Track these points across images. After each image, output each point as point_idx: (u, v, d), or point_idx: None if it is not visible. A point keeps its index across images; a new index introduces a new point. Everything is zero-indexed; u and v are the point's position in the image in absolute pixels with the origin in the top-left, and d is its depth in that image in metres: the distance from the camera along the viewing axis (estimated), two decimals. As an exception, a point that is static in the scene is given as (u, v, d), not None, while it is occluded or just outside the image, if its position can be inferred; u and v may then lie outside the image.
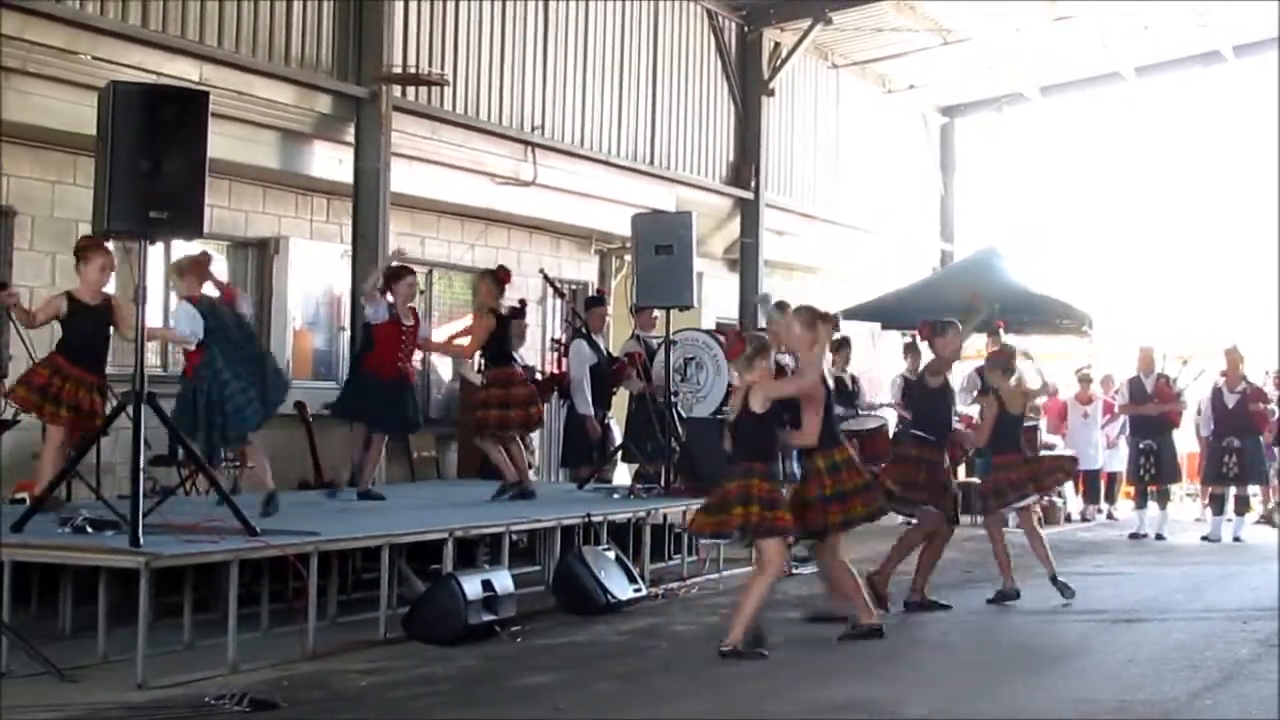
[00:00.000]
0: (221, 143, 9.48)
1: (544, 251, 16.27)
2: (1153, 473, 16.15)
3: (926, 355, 17.77)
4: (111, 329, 8.67)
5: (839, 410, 10.11)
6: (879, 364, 19.00)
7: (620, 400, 13.38)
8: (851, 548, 9.36)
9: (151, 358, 11.44)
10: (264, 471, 9.11)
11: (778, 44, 19.47)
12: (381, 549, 8.61)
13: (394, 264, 11.14)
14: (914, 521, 10.48)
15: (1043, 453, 13.90)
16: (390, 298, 10.63)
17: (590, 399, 12.64)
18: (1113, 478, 19.29)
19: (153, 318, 9.74)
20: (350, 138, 12.87)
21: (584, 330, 12.95)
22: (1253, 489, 17.04)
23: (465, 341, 11.37)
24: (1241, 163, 26.59)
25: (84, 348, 8.59)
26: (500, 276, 11.21)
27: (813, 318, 8.55)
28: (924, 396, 10.53)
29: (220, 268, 12.69)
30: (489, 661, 8.03)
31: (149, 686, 6.99)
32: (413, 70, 13.34)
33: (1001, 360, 11.09)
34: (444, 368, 15.03)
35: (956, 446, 12.22)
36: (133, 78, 9.85)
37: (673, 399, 12.12)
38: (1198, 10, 19.76)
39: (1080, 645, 8.91)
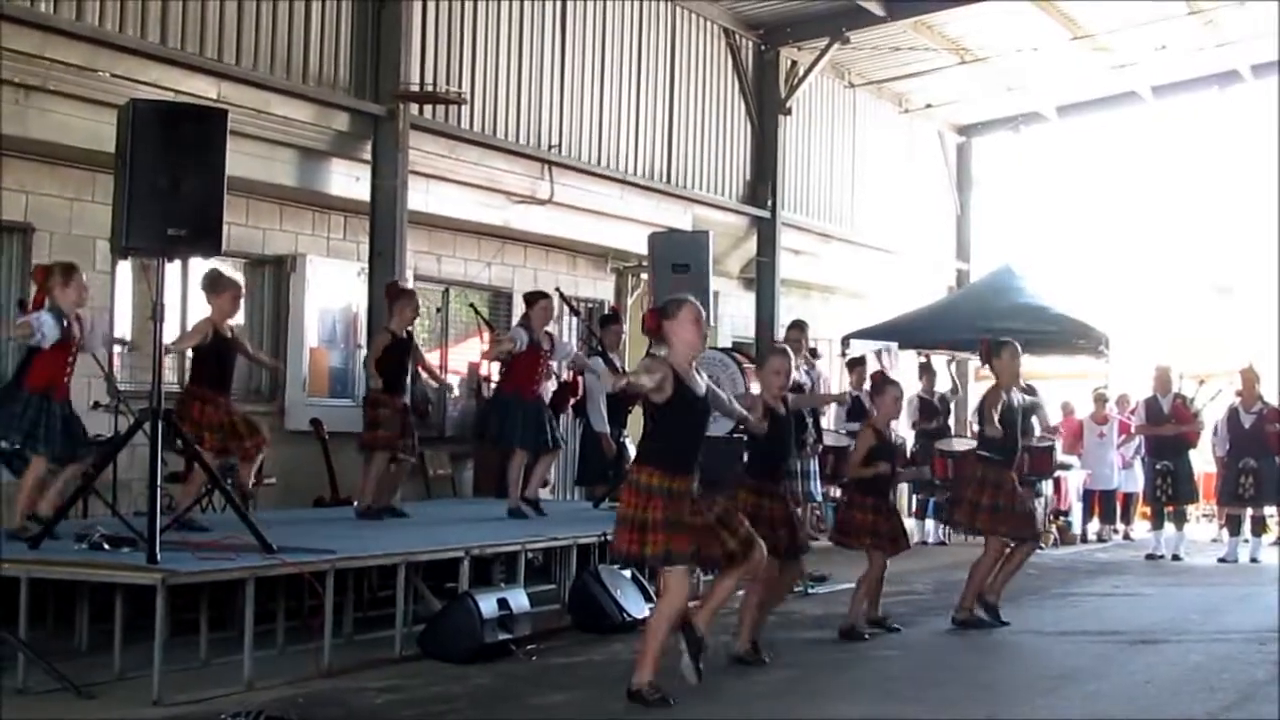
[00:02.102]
0: (239, 160, 9.51)
1: (560, 270, 16.28)
2: (1169, 493, 16.08)
3: (942, 375, 17.89)
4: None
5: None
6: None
7: (636, 418, 13.35)
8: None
9: (169, 375, 11.46)
10: None
11: (795, 63, 19.47)
12: (398, 567, 8.63)
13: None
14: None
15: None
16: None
17: (606, 417, 12.64)
18: (1129, 498, 19.24)
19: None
20: (368, 156, 12.91)
21: (600, 348, 12.95)
22: (1269, 510, 16.97)
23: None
24: (1258, 182, 26.55)
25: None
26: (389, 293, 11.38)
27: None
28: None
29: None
30: (504, 680, 8.02)
31: (165, 703, 7.01)
32: (430, 89, 13.38)
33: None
34: (457, 384, 15.05)
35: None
36: (151, 95, 9.91)
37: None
38: (1211, 19, 19.70)
39: (1097, 666, 8.86)
